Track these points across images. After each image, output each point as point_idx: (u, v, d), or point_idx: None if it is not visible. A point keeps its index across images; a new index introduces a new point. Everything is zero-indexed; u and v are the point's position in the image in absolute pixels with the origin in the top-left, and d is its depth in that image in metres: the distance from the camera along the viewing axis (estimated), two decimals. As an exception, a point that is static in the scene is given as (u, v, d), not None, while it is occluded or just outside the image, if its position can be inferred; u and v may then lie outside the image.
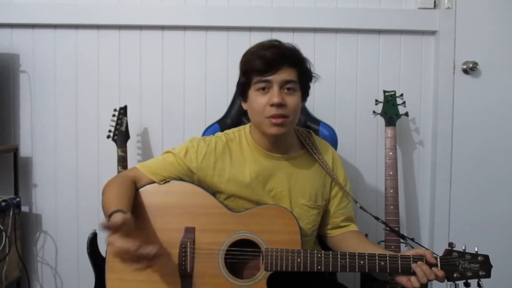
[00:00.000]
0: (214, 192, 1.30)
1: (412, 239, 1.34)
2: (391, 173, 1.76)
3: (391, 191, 1.75)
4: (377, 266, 1.15)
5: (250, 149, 1.32)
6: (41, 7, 1.90)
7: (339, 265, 1.16)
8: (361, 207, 1.36)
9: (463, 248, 1.16)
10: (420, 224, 2.05)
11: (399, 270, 1.14)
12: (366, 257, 1.16)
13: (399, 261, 1.14)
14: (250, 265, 1.24)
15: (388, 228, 1.48)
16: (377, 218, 1.37)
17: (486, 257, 1.14)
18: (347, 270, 1.16)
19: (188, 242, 1.20)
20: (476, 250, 1.16)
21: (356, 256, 1.16)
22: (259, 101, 1.23)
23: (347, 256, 1.16)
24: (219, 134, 1.36)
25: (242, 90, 1.29)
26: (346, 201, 1.39)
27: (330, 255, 1.18)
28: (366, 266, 1.15)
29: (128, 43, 1.96)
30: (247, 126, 1.37)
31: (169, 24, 1.94)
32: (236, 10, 1.94)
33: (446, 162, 1.99)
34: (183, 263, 1.19)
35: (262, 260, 1.20)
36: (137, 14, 1.93)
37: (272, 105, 1.21)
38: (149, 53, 1.96)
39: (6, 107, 1.95)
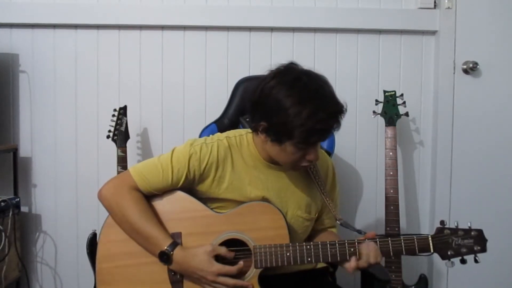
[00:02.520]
0: (206, 198, 1.26)
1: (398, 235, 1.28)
2: (391, 173, 1.76)
3: (391, 191, 1.75)
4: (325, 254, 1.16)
5: (251, 157, 1.27)
6: (41, 7, 1.90)
7: (329, 255, 1.15)
8: (341, 224, 1.31)
9: (456, 224, 1.13)
10: (420, 224, 2.04)
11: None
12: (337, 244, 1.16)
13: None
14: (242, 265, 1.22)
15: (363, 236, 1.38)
16: (359, 232, 1.30)
17: (480, 231, 1.11)
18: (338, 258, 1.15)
19: None
20: (469, 225, 1.12)
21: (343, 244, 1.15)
22: (296, 155, 1.17)
23: (337, 244, 1.15)
24: (220, 136, 1.29)
25: (279, 135, 1.16)
26: (332, 212, 1.35)
27: (320, 245, 1.16)
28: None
29: (127, 43, 1.96)
30: (249, 134, 1.29)
31: (169, 24, 1.94)
32: (236, 10, 1.94)
33: (446, 162, 1.99)
34: (173, 270, 1.18)
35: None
36: (137, 14, 1.93)
37: (309, 161, 1.19)
38: (149, 53, 1.96)
39: (5, 107, 1.94)
